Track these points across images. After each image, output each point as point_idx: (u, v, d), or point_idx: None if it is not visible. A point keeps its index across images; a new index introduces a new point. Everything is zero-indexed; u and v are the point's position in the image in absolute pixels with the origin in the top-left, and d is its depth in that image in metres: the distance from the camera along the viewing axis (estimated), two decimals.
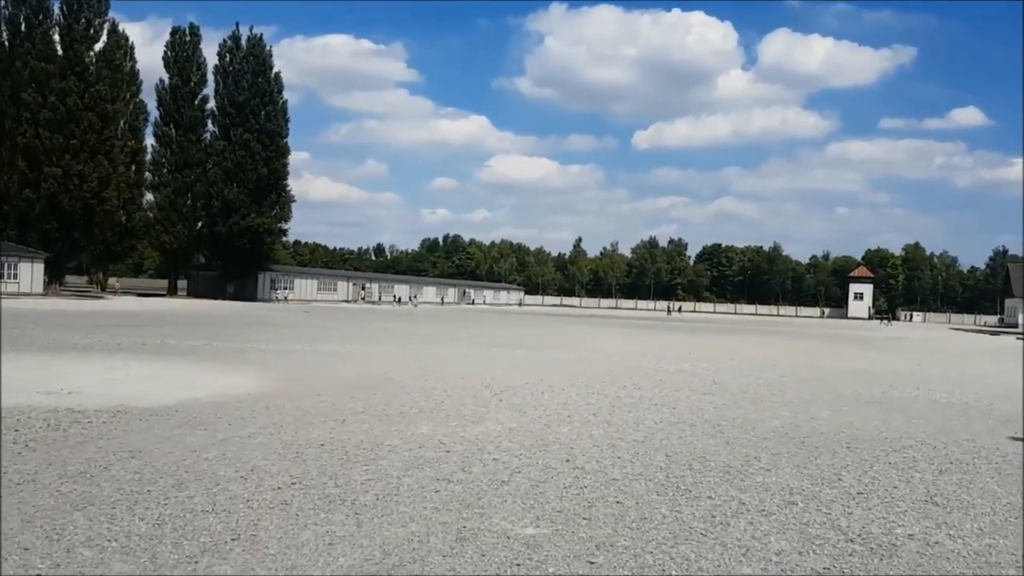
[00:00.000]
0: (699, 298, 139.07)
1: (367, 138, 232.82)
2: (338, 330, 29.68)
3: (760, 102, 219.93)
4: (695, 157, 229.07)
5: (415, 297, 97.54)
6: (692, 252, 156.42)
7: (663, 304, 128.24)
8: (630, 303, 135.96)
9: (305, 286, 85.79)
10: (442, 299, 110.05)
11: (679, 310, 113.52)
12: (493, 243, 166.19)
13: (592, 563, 4.45)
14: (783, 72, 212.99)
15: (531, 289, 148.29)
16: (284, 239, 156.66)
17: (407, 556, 4.42)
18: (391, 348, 21.53)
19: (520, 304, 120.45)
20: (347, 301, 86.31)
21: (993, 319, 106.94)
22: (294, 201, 78.38)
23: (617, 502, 5.85)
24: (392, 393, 11.79)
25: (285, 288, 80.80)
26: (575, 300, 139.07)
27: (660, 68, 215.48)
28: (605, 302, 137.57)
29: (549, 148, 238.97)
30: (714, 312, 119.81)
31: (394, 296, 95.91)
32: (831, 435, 9.62)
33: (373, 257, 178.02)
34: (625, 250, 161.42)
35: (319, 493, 5.77)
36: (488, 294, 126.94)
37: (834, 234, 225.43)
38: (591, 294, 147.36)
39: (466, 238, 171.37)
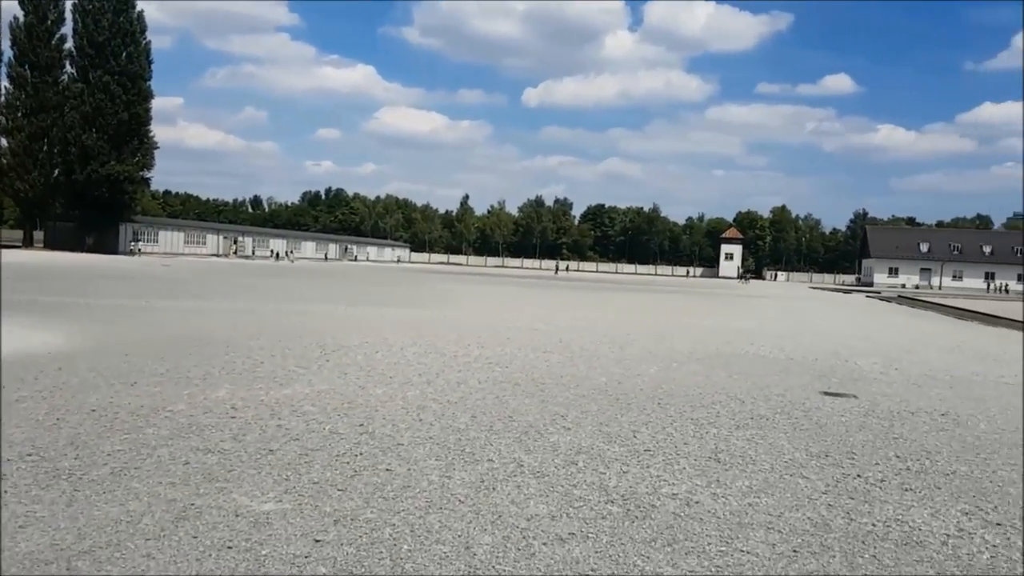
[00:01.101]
0: (583, 257, 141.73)
1: (245, 83, 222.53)
2: (194, 285, 28.15)
3: (645, 63, 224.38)
4: (584, 116, 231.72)
5: (292, 252, 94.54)
6: (577, 212, 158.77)
7: (549, 263, 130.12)
8: (516, 262, 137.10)
9: (171, 239, 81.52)
10: (325, 255, 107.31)
11: (567, 269, 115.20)
12: (378, 198, 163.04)
13: (318, 541, 4.12)
14: (667, 34, 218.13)
15: (418, 246, 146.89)
16: (152, 189, 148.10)
17: (103, 539, 3.95)
18: (240, 305, 20.52)
19: (399, 261, 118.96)
20: (217, 255, 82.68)
21: (851, 278, 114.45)
22: (157, 148, 74.34)
23: (387, 469, 5.55)
24: (210, 353, 11.08)
25: (146, 241, 76.49)
26: (462, 258, 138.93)
27: (549, 23, 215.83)
28: (492, 260, 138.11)
29: (439, 102, 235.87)
30: (596, 271, 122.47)
31: (271, 251, 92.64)
32: (648, 391, 9.70)
33: (250, 210, 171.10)
34: (512, 208, 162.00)
35: (51, 467, 5.18)
36: (372, 250, 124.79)
37: (713, 196, 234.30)
38: (478, 252, 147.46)
39: (353, 192, 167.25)
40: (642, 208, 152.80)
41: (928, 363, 14.33)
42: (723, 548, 4.36)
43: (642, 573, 3.98)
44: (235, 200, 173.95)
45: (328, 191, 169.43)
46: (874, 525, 4.93)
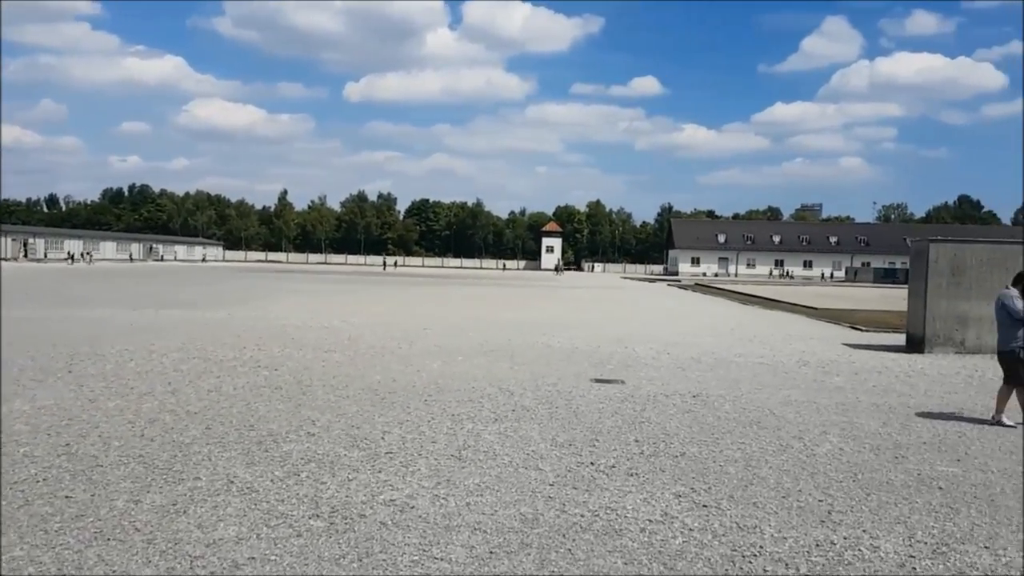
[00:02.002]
0: (409, 253, 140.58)
1: (42, 76, 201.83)
2: None
3: (466, 62, 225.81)
4: (408, 112, 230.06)
5: (90, 253, 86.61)
6: (403, 207, 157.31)
7: (374, 259, 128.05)
8: (340, 258, 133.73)
9: None
10: (130, 255, 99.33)
11: (395, 265, 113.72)
12: (188, 194, 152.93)
13: None
14: (486, 33, 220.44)
15: (233, 244, 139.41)
16: None
17: None
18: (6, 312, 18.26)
19: (204, 260, 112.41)
20: (5, 259, 74.12)
21: (660, 268, 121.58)
22: None
23: (66, 497, 4.90)
24: None
25: None
26: (282, 255, 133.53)
27: (370, 19, 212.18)
28: (314, 257, 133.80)
29: (256, 95, 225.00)
30: (423, 266, 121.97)
31: (67, 253, 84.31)
32: (420, 388, 9.46)
33: (45, 209, 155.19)
34: (335, 204, 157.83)
35: None
36: (181, 249, 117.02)
37: (536, 191, 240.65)
38: (299, 249, 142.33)
39: (160, 188, 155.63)
40: (466, 203, 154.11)
41: (700, 346, 15.19)
42: (416, 558, 4.14)
43: None
44: (28, 199, 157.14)
45: (132, 188, 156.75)
46: (583, 516, 4.93)
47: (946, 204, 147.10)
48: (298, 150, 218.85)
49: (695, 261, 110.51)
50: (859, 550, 4.51)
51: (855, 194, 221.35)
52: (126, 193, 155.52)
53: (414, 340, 14.86)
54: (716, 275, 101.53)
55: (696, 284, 57.41)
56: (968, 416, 8.91)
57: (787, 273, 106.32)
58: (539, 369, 11.59)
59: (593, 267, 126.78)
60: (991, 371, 12.85)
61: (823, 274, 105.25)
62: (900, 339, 16.54)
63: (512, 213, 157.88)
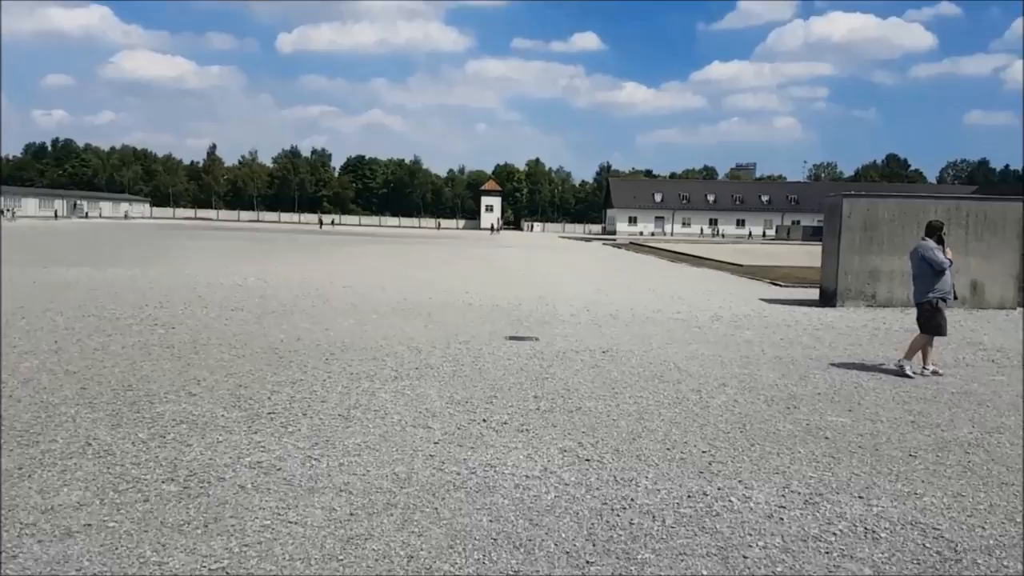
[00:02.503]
0: (345, 211, 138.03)
1: None
2: None
3: (404, 13, 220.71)
4: (344, 66, 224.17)
5: (12, 210, 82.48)
6: (338, 164, 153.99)
7: (308, 217, 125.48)
8: (273, 215, 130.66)
9: None
10: (55, 213, 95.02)
11: (332, 223, 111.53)
12: (113, 149, 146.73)
13: None
14: None
15: (161, 200, 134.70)
16: None
17: None
18: None
19: (126, 217, 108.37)
20: None
21: (598, 227, 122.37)
22: None
23: None
24: None
25: None
26: (212, 212, 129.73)
27: None
28: (246, 215, 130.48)
29: (184, 46, 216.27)
30: (359, 225, 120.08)
31: None
32: (324, 347, 9.19)
33: None
34: (267, 160, 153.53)
35: None
36: (106, 206, 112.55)
37: (475, 150, 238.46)
38: (231, 206, 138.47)
39: (91, 143, 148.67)
40: (403, 160, 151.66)
41: (620, 303, 15.22)
42: (268, 522, 3.93)
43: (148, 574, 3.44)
44: None
45: (55, 142, 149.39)
46: (459, 474, 4.79)
47: (875, 163, 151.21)
48: (228, 104, 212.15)
49: (632, 220, 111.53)
50: (730, 500, 4.48)
51: (789, 154, 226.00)
52: (49, 148, 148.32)
53: (329, 298, 14.50)
54: (652, 234, 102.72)
55: (631, 243, 57.92)
56: (869, 365, 9.10)
57: (719, 232, 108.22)
58: (454, 327, 11.40)
59: (532, 226, 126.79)
60: (899, 323, 13.23)
61: (750, 232, 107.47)
62: (815, 294, 16.89)
63: (451, 171, 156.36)
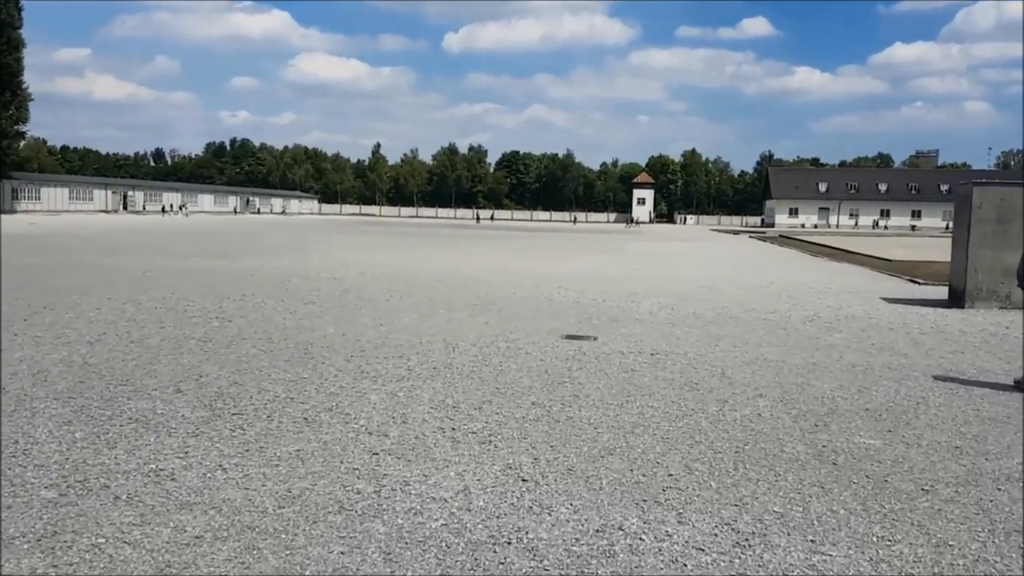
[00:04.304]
0: (499, 205, 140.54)
1: (156, 32, 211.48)
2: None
3: (568, 8, 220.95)
4: (507, 63, 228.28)
5: (186, 206, 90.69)
6: (493, 159, 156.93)
7: (463, 212, 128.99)
8: (431, 211, 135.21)
9: (54, 195, 77.19)
10: (235, 209, 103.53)
11: (491, 218, 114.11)
12: (286, 148, 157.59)
13: None
14: None
15: (329, 198, 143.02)
16: (50, 144, 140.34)
17: None
18: None
19: (283, 212, 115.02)
20: (106, 211, 78.66)
21: (757, 220, 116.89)
22: (31, 100, 70.08)
23: None
24: None
25: (28, 198, 72.29)
26: (375, 209, 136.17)
27: None
28: (406, 210, 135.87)
29: (359, 48, 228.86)
30: (511, 219, 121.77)
31: (163, 206, 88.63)
32: (366, 342, 9.05)
33: (152, 163, 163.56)
34: (427, 157, 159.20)
35: None
36: (277, 203, 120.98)
37: (637, 142, 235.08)
38: (392, 202, 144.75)
39: (271, 143, 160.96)
40: (556, 154, 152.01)
41: (714, 301, 14.12)
42: (99, 543, 3.68)
43: None
44: (136, 154, 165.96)
45: (233, 142, 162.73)
46: (360, 493, 4.37)
47: None
48: (399, 104, 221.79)
49: (793, 212, 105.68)
50: (642, 539, 3.77)
51: (979, 140, 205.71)
52: (228, 147, 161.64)
53: (411, 292, 14.45)
54: (815, 226, 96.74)
55: (780, 236, 54.69)
56: (963, 379, 7.75)
57: (879, 224, 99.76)
58: (516, 324, 10.96)
59: (685, 219, 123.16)
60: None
61: (913, 226, 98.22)
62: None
63: (603, 164, 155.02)
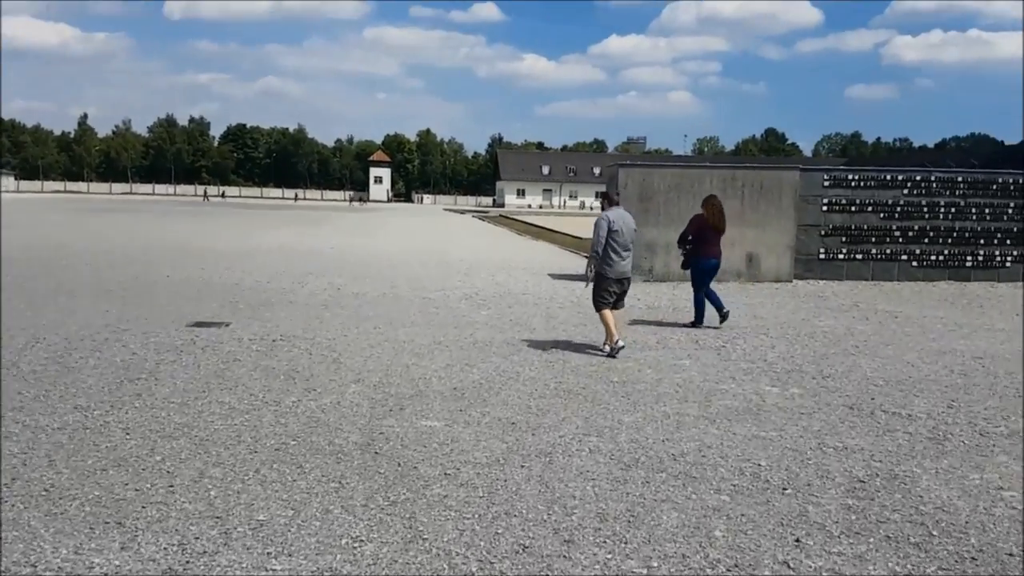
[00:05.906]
0: (225, 181, 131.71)
1: None
2: None
3: None
4: (235, 31, 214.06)
5: None
6: (221, 131, 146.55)
7: (185, 188, 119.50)
8: (147, 187, 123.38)
9: None
10: None
11: (222, 195, 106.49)
12: None
13: None
14: None
15: (31, 173, 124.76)
16: None
17: None
18: None
19: None
20: None
21: (489, 200, 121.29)
22: None
23: None
24: None
25: None
26: (83, 185, 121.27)
27: None
28: (118, 187, 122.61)
29: (68, 12, 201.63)
30: (240, 196, 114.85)
31: None
32: None
33: None
34: (143, 129, 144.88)
35: None
36: None
37: (375, 118, 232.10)
38: (103, 178, 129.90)
39: None
40: (287, 129, 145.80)
41: (387, 282, 13.97)
42: None
43: None
44: None
45: None
46: None
47: (754, 137, 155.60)
48: (113, 70, 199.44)
49: (520, 193, 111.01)
50: None
51: (682, 128, 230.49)
52: None
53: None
54: (540, 207, 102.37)
55: (500, 216, 57.03)
56: (574, 344, 8.16)
57: (585, 205, 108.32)
58: (155, 310, 9.96)
59: (423, 199, 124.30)
60: (666, 298, 12.57)
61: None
62: None
63: (339, 141, 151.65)
